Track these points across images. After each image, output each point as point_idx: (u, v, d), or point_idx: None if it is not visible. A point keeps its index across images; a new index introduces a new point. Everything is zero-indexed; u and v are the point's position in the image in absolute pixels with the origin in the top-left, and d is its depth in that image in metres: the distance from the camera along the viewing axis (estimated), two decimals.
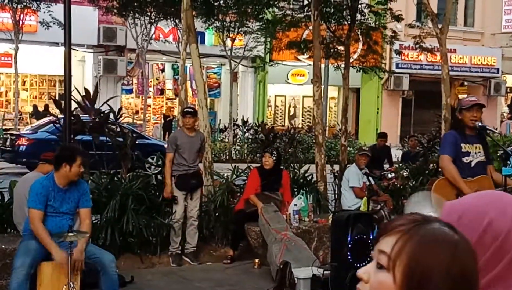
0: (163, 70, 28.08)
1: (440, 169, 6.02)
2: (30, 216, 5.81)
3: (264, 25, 18.16)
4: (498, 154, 10.34)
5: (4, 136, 17.40)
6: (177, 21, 17.94)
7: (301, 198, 8.79)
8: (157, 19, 20.00)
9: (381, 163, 13.13)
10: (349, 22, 12.21)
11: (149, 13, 19.64)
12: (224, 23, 20.47)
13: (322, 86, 12.34)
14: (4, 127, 22.10)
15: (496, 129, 21.38)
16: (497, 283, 1.41)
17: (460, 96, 28.78)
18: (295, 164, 11.11)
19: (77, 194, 6.00)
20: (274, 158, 8.73)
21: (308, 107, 29.53)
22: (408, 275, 1.27)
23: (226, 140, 23.00)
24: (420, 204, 5.30)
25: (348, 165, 11.22)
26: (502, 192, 1.54)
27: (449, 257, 1.27)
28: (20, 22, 20.51)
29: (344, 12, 12.56)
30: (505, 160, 8.46)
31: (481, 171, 6.12)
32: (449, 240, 1.29)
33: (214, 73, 28.42)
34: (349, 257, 6.50)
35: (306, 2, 12.87)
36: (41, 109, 24.72)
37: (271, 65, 24.59)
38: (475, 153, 6.11)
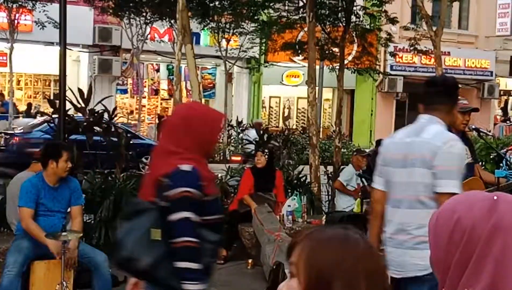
0: (158, 71, 28.05)
1: None
2: (20, 214, 5.80)
3: (259, 26, 18.17)
4: (491, 157, 10.39)
5: None
6: (172, 21, 17.93)
7: (294, 199, 8.82)
8: (152, 19, 19.99)
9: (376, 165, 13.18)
10: (344, 24, 12.25)
11: (144, 14, 19.63)
12: (220, 24, 20.48)
13: (317, 88, 12.36)
14: None
15: (490, 131, 21.44)
16: (471, 280, 1.43)
17: None
18: (289, 165, 11.13)
19: (68, 191, 5.98)
20: (266, 156, 8.75)
21: (303, 108, 29.55)
22: (307, 275, 1.41)
23: (221, 140, 23.01)
24: None
25: (342, 167, 11.27)
26: (476, 191, 1.56)
27: (339, 253, 1.40)
28: (15, 21, 20.47)
29: (339, 14, 12.60)
30: (498, 162, 8.51)
31: (470, 172, 6.14)
32: (340, 237, 1.44)
33: (209, 73, 28.42)
34: None
35: (301, 4, 12.89)
36: (25, 108, 24.85)
37: (266, 66, 24.63)
38: None
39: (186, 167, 3.25)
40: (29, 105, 25.09)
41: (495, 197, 1.48)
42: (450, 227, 1.47)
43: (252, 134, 16.44)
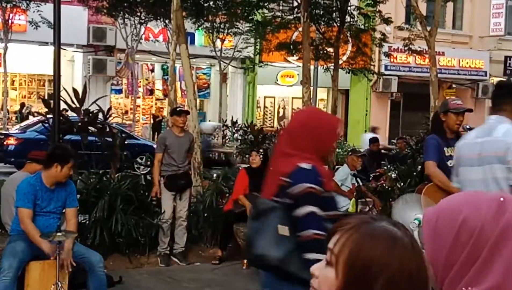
0: (152, 71, 28.04)
1: (427, 175, 6.04)
2: (19, 215, 5.79)
3: (253, 27, 18.19)
4: None
5: None
6: (167, 21, 17.93)
7: None
8: (147, 19, 19.98)
9: (371, 165, 13.23)
10: (338, 24, 12.27)
11: (139, 13, 19.62)
12: (214, 24, 20.48)
13: (311, 88, 12.38)
14: None
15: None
16: (476, 280, 1.43)
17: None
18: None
19: (64, 193, 5.99)
20: (261, 156, 8.76)
21: (297, 108, 29.55)
22: (348, 269, 1.35)
23: (216, 140, 23.00)
24: (408, 205, 5.32)
25: (337, 167, 11.28)
26: (478, 191, 1.56)
27: (386, 252, 1.34)
28: (10, 21, 20.43)
29: (334, 14, 12.62)
30: None
31: None
32: (389, 236, 1.37)
33: (204, 73, 28.42)
34: None
35: (295, 4, 12.90)
36: (17, 108, 24.81)
37: (261, 66, 24.64)
38: None
39: (306, 165, 3.48)
40: (22, 105, 25.06)
41: (502, 198, 1.47)
42: (456, 227, 1.46)
43: (367, 137, 16.22)
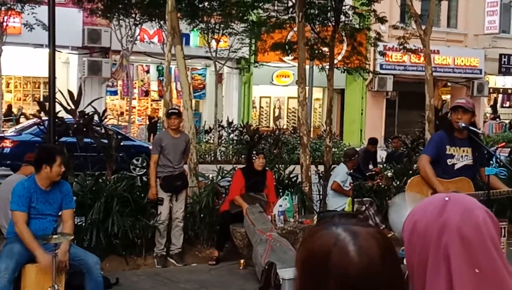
0: (148, 72, 28.02)
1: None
2: (14, 218, 5.78)
3: (248, 27, 18.18)
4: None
5: None
6: (161, 22, 17.92)
7: (286, 199, 8.81)
8: (141, 20, 19.95)
9: (367, 164, 13.25)
10: (333, 24, 12.26)
11: (133, 15, 19.59)
12: (209, 24, 20.47)
13: (307, 87, 12.39)
14: None
15: (479, 129, 21.51)
16: (434, 283, 1.44)
17: (444, 97, 29.02)
18: (280, 165, 11.14)
19: (60, 195, 5.97)
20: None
21: (293, 108, 29.60)
22: (299, 268, 1.39)
23: (211, 141, 22.99)
24: (404, 204, 5.33)
25: (334, 166, 11.30)
26: (437, 194, 1.58)
27: (325, 251, 1.34)
28: (4, 23, 20.38)
29: (328, 13, 12.60)
30: (488, 160, 8.54)
31: (465, 174, 6.11)
32: (330, 236, 1.36)
33: (199, 74, 28.40)
34: None
35: (290, 4, 12.90)
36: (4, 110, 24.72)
37: (256, 67, 24.64)
38: (461, 156, 6.11)
39: None
40: (9, 107, 24.95)
41: (447, 198, 1.50)
42: (409, 230, 1.51)
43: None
